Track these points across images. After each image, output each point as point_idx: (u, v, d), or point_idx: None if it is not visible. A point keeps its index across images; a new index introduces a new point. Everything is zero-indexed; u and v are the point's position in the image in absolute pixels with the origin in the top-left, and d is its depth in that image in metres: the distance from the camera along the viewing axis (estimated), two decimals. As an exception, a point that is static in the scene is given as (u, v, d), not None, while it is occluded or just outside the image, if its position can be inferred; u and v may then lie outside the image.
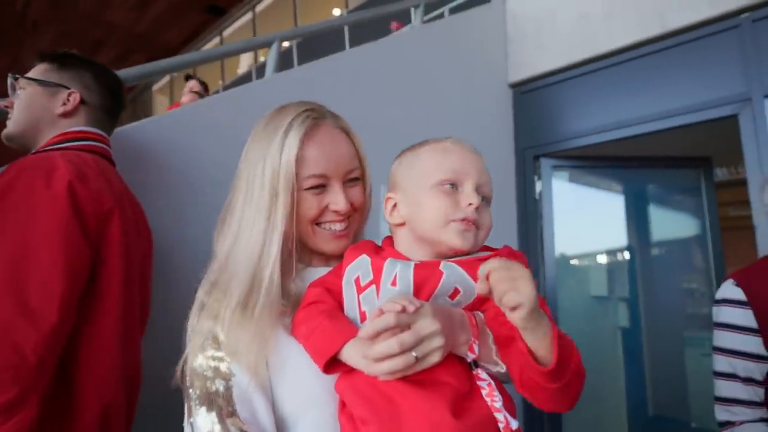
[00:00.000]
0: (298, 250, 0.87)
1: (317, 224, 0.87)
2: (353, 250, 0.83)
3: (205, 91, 3.86)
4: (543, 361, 0.64)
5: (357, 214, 0.91)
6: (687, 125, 2.85)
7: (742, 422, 1.39)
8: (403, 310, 0.65)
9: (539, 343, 0.63)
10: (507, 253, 0.77)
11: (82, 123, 1.28)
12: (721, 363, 1.44)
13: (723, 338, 1.44)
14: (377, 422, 0.65)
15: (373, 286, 0.75)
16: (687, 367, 3.26)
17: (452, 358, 0.70)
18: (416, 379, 0.67)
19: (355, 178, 0.90)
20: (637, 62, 3.02)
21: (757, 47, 2.60)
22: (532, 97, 3.39)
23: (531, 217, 3.22)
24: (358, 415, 0.68)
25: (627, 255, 3.68)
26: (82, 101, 1.28)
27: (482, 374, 0.71)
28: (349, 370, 0.71)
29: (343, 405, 0.74)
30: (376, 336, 0.65)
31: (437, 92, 2.94)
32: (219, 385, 0.75)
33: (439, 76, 2.98)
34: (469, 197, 0.76)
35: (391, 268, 0.74)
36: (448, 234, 0.75)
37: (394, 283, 0.72)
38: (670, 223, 3.79)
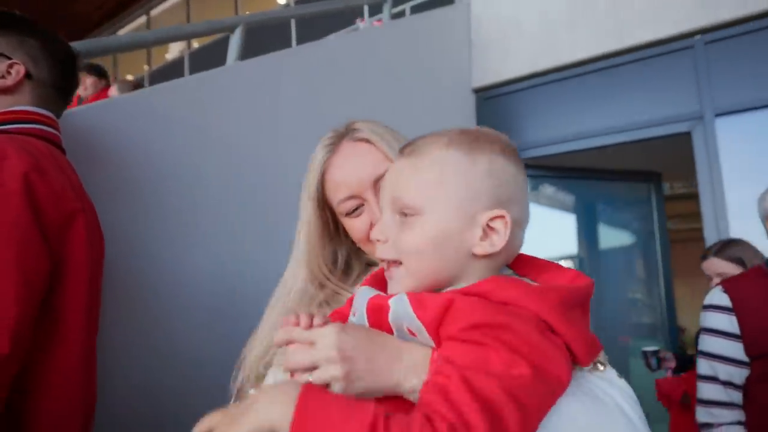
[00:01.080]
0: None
1: (369, 240, 0.81)
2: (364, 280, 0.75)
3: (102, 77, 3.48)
4: None
5: None
6: (642, 140, 2.94)
7: (720, 424, 1.44)
8: (296, 324, 0.56)
9: None
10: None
11: (26, 102, 1.07)
12: (704, 366, 1.50)
13: (707, 343, 1.51)
14: None
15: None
16: (632, 376, 3.36)
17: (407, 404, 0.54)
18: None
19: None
20: (597, 75, 3.09)
21: (709, 68, 2.72)
22: (496, 103, 3.40)
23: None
24: None
25: (577, 264, 3.76)
26: (27, 75, 1.07)
27: None
28: None
29: None
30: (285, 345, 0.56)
31: (401, 91, 2.88)
32: (249, 392, 0.75)
33: (403, 75, 2.92)
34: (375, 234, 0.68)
35: (359, 296, 0.63)
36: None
37: (353, 314, 0.63)
38: (620, 235, 3.92)
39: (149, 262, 1.43)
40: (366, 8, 4.56)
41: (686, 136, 2.78)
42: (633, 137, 2.96)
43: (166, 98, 1.60)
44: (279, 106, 2.01)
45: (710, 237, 2.62)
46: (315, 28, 4.74)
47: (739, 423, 1.43)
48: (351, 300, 0.69)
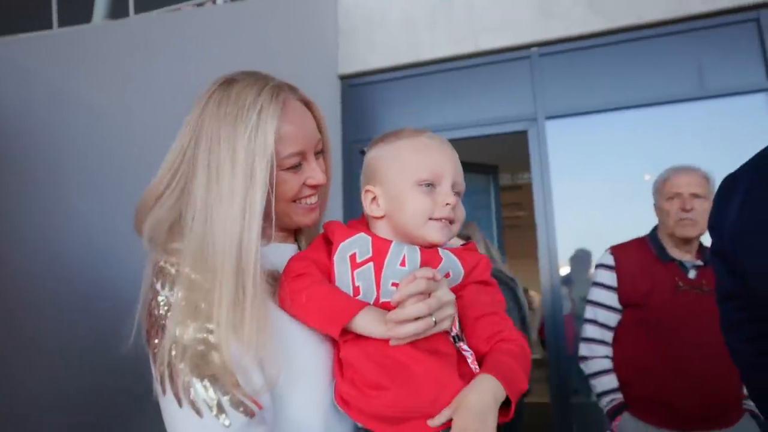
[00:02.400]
0: (264, 229, 0.83)
1: (294, 201, 0.87)
2: (344, 228, 0.85)
3: None
4: None
5: (325, 186, 0.93)
6: (485, 136, 3.29)
7: (593, 357, 1.90)
8: (432, 278, 0.73)
9: None
10: (472, 247, 0.89)
11: None
12: (589, 311, 1.95)
13: (594, 293, 1.95)
14: (394, 386, 0.71)
15: (371, 264, 0.79)
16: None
17: (442, 332, 0.76)
18: (426, 348, 0.74)
19: (321, 151, 0.91)
20: (452, 73, 3.36)
21: (543, 76, 3.15)
22: (361, 91, 3.47)
23: (356, 207, 3.30)
24: (371, 380, 0.73)
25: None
26: None
27: (464, 346, 0.79)
28: (357, 338, 0.75)
29: (341, 371, 0.77)
30: (407, 300, 0.71)
31: (267, 70, 2.77)
32: (215, 357, 0.71)
33: (269, 55, 2.82)
34: (446, 197, 0.82)
35: (398, 249, 0.80)
36: (427, 230, 0.81)
37: (403, 264, 0.78)
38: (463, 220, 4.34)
39: (7, 248, 1.18)
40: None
41: (512, 136, 3.19)
42: (478, 132, 3.30)
43: (27, 52, 1.32)
44: (147, 73, 1.80)
45: (540, 223, 3.06)
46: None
47: (606, 357, 1.88)
48: (318, 245, 0.85)
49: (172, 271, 0.76)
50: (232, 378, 0.70)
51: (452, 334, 0.79)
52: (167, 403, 0.72)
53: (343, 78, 3.49)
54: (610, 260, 1.94)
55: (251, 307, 0.73)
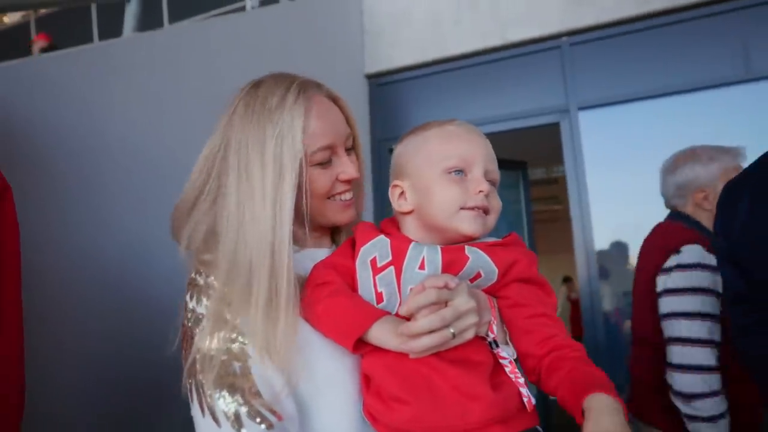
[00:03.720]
0: (296, 231, 0.83)
1: (328, 198, 0.85)
2: (365, 231, 0.82)
3: None
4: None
5: (361, 185, 0.92)
6: (516, 129, 3.23)
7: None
8: (445, 287, 0.66)
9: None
10: (513, 241, 0.80)
11: None
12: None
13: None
14: (415, 399, 0.67)
15: (392, 268, 0.75)
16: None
17: (477, 338, 0.72)
18: (452, 358, 0.68)
19: (350, 148, 0.89)
20: (479, 68, 3.31)
21: (573, 66, 3.07)
22: (388, 90, 3.47)
23: (387, 207, 3.30)
24: (392, 394, 0.69)
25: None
26: None
27: (503, 353, 0.73)
28: (376, 349, 0.71)
29: (367, 383, 0.74)
30: (417, 312, 0.65)
31: (294, 73, 2.81)
32: (236, 367, 0.71)
33: (296, 58, 2.85)
34: (479, 184, 0.76)
35: (416, 251, 0.75)
36: (459, 221, 0.75)
37: (422, 267, 0.73)
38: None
39: (47, 253, 1.24)
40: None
41: (546, 130, 3.12)
42: (509, 126, 3.24)
43: (62, 67, 1.39)
44: (177, 84, 1.86)
45: (575, 216, 2.99)
46: (189, 6, 4.38)
47: None
48: (344, 251, 0.81)
49: (201, 282, 0.77)
50: (253, 388, 0.70)
51: (489, 339, 0.73)
52: (195, 413, 0.73)
53: (370, 77, 3.50)
54: (709, 259, 1.53)
55: (285, 312, 0.72)
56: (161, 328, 0.80)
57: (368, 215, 3.42)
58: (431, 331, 0.64)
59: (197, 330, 0.74)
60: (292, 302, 0.74)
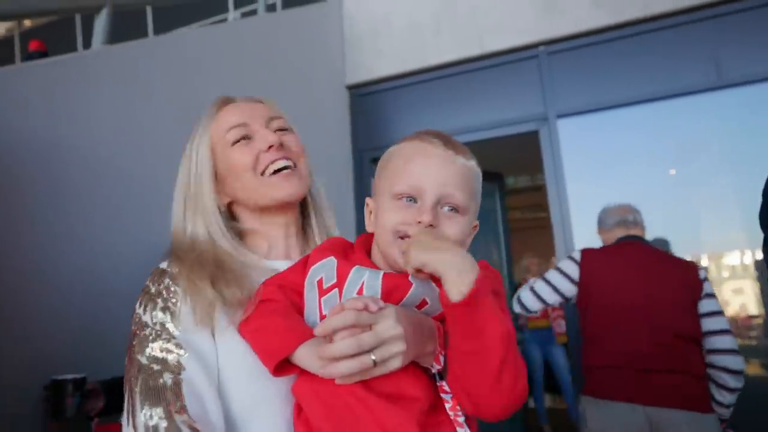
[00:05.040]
0: (253, 228, 0.88)
1: (261, 174, 0.84)
2: (322, 249, 0.78)
3: None
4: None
5: (301, 158, 0.88)
6: (496, 138, 3.26)
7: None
8: (365, 309, 0.61)
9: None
10: (489, 280, 0.67)
11: None
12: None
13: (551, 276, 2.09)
14: None
15: (336, 290, 0.71)
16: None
17: (417, 370, 0.67)
18: (383, 392, 0.63)
19: (284, 128, 0.89)
20: (459, 77, 3.34)
21: (551, 75, 3.11)
22: (369, 100, 3.48)
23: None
24: (317, 425, 0.64)
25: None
26: None
27: (446, 386, 0.67)
28: (306, 373, 0.66)
29: (299, 409, 0.70)
30: (333, 334, 0.61)
31: (275, 85, 2.80)
32: (167, 379, 0.70)
33: (277, 69, 2.85)
34: (419, 214, 0.69)
35: (357, 275, 0.70)
36: (394, 249, 0.70)
37: (360, 292, 0.69)
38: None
39: (14, 259, 1.22)
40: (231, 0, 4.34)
41: (530, 138, 3.15)
42: (489, 135, 3.27)
43: (29, 80, 1.36)
44: (150, 95, 1.83)
45: (556, 223, 3.01)
46: (175, 17, 4.36)
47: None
48: (298, 267, 0.78)
49: (153, 290, 0.77)
50: (179, 402, 0.68)
51: (433, 371, 0.67)
52: (123, 421, 0.71)
53: (351, 88, 3.51)
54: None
55: (203, 317, 0.74)
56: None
57: (349, 226, 3.41)
58: (353, 356, 0.60)
59: (137, 337, 0.74)
60: (211, 309, 0.75)
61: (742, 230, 2.94)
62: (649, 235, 2.99)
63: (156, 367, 0.70)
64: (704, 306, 1.83)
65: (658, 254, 2.00)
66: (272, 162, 0.83)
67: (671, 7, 2.88)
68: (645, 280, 1.87)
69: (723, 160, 2.87)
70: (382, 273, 0.70)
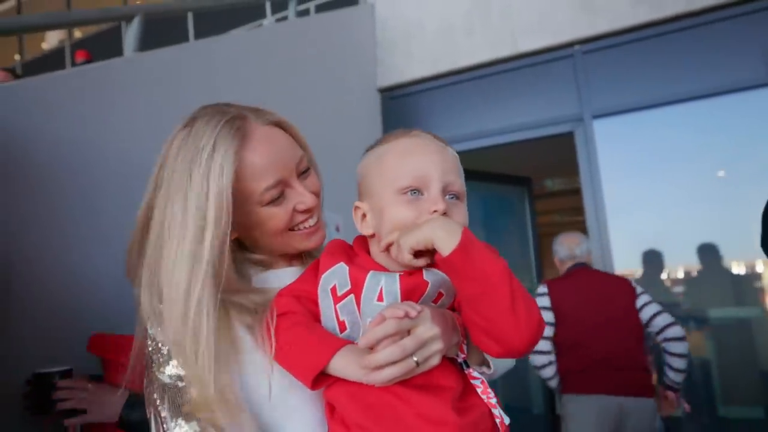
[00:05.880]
0: (261, 253, 0.83)
1: (290, 229, 0.80)
2: (330, 254, 0.77)
3: None
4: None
5: (320, 203, 0.86)
6: (530, 140, 3.19)
7: (542, 365, 2.31)
8: (405, 316, 0.63)
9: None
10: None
11: None
12: None
13: None
14: (379, 428, 0.65)
15: (352, 296, 0.72)
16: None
17: (445, 360, 0.69)
18: (417, 384, 0.66)
19: (307, 168, 0.83)
20: (491, 79, 3.30)
21: (587, 74, 3.02)
22: (400, 103, 3.49)
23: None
24: (356, 422, 0.66)
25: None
26: None
27: (474, 372, 0.71)
28: (339, 379, 0.68)
29: (331, 410, 0.71)
30: (377, 344, 0.63)
31: (307, 89, 2.85)
32: (193, 393, 0.69)
33: (309, 74, 2.90)
34: (434, 203, 0.70)
35: (373, 281, 0.70)
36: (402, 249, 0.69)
37: (380, 299, 0.70)
38: (501, 230, 4.26)
39: (44, 265, 1.28)
40: (268, 5, 4.45)
41: (566, 139, 3.07)
42: (523, 137, 3.21)
43: (62, 88, 1.44)
44: (180, 101, 1.90)
45: (592, 227, 2.91)
46: (214, 23, 4.52)
47: (550, 363, 2.32)
48: (308, 277, 0.77)
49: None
50: (212, 414, 0.68)
51: (459, 360, 0.71)
52: None
53: (383, 91, 3.52)
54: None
55: (204, 368, 0.68)
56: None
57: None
58: (395, 362, 0.62)
59: (155, 358, 0.74)
60: (210, 358, 0.69)
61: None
62: (696, 241, 2.89)
63: (181, 383, 0.71)
64: (640, 301, 2.31)
65: (601, 275, 2.50)
66: (303, 221, 0.81)
67: (715, 1, 2.74)
68: (598, 298, 2.31)
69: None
70: (398, 276, 0.70)
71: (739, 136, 2.83)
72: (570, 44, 3.07)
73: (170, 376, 0.72)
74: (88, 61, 3.89)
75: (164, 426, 0.70)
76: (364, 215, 0.77)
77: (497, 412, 0.69)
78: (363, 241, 0.80)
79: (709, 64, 2.81)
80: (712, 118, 2.86)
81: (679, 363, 2.21)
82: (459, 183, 0.74)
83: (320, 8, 4.05)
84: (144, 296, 0.75)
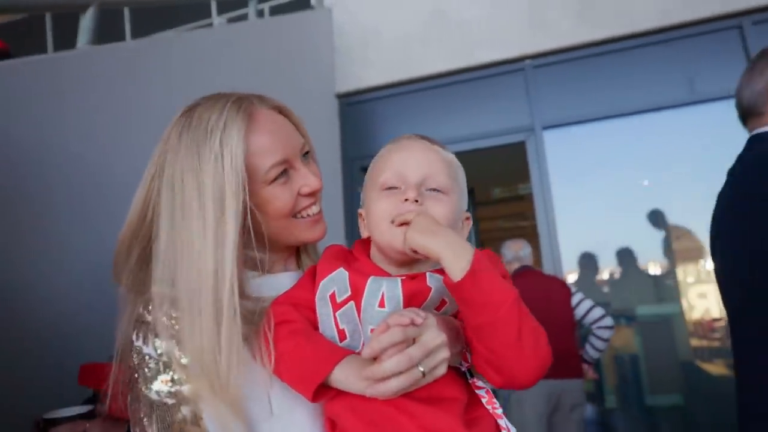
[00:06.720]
0: (261, 246, 0.78)
1: (293, 216, 0.78)
2: (328, 260, 0.75)
3: None
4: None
5: (320, 193, 0.84)
6: (484, 149, 3.33)
7: None
8: (411, 323, 0.60)
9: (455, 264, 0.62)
10: (486, 257, 0.69)
11: None
12: None
13: None
14: None
15: (352, 303, 0.69)
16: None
17: (450, 371, 0.66)
18: (423, 397, 0.62)
19: (307, 152, 0.82)
20: (447, 89, 3.41)
21: (537, 87, 3.21)
22: (358, 109, 3.50)
23: (356, 227, 3.29)
24: None
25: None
26: None
27: (479, 382, 0.68)
28: (339, 392, 0.64)
29: (332, 426, 0.67)
30: (382, 353, 0.59)
31: (267, 91, 2.78)
32: (185, 412, 0.66)
33: (268, 75, 2.84)
34: (405, 193, 0.71)
35: (374, 286, 0.68)
36: (392, 238, 0.69)
37: (382, 304, 0.67)
38: None
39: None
40: (214, 4, 4.30)
41: (512, 147, 3.24)
42: (477, 146, 3.34)
43: (11, 77, 1.30)
44: (138, 96, 1.80)
45: (542, 231, 3.09)
46: (151, 21, 4.28)
47: None
48: (305, 283, 0.75)
49: (149, 319, 0.71)
50: (216, 409, 0.65)
51: (462, 369, 0.68)
52: None
53: (341, 96, 3.52)
54: None
55: (229, 353, 0.66)
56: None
57: (339, 235, 3.40)
58: (401, 372, 0.58)
59: (141, 371, 0.69)
60: (238, 346, 0.67)
61: (707, 239, 3.08)
62: (623, 244, 3.19)
63: (170, 401, 0.67)
64: (575, 299, 2.67)
65: (543, 276, 2.79)
66: (307, 207, 0.80)
67: (650, 26, 3.03)
68: (542, 297, 2.58)
69: (694, 172, 3.02)
70: (399, 281, 0.68)
71: (662, 149, 3.13)
72: (521, 58, 3.24)
73: (158, 393, 0.67)
74: (5, 51, 3.55)
75: None
76: (363, 219, 0.79)
77: (503, 423, 0.67)
78: (363, 244, 0.80)
79: (639, 84, 3.09)
80: (642, 133, 3.14)
81: (602, 345, 2.69)
82: (441, 178, 0.73)
83: (274, 10, 3.97)
84: (157, 286, 0.71)
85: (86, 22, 1.89)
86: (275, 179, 0.75)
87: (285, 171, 0.76)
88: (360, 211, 0.80)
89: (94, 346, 1.32)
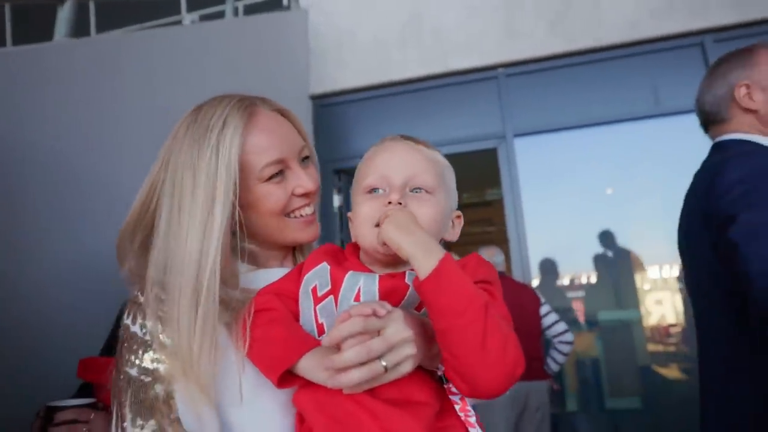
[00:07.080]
0: (253, 250, 0.81)
1: (286, 215, 0.80)
2: (316, 255, 0.75)
3: None
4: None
5: (315, 195, 0.86)
6: (457, 154, 3.36)
7: None
8: (373, 314, 0.59)
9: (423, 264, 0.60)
10: (475, 263, 0.70)
11: None
12: None
13: None
14: None
15: (331, 297, 0.69)
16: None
17: (423, 373, 0.65)
18: (390, 398, 0.61)
19: (306, 156, 0.84)
20: (422, 93, 3.44)
21: (509, 95, 3.27)
22: (332, 111, 3.49)
23: (330, 230, 3.29)
24: None
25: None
26: None
27: (453, 388, 0.65)
28: (309, 383, 0.64)
29: (300, 420, 0.67)
30: (341, 343, 0.58)
31: (238, 90, 2.76)
32: (158, 390, 0.68)
33: (243, 73, 2.81)
34: (387, 196, 0.71)
35: (352, 281, 0.69)
36: (374, 238, 0.69)
37: (357, 298, 0.67)
38: None
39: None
40: (183, 1, 4.23)
41: (480, 154, 3.29)
42: (449, 151, 3.36)
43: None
44: (117, 91, 1.76)
45: (512, 237, 3.14)
46: (117, 17, 4.17)
47: None
48: (293, 276, 0.75)
49: (141, 300, 0.73)
50: (173, 414, 0.67)
51: (439, 373, 0.65)
52: None
53: (315, 98, 3.51)
54: None
55: (202, 337, 0.68)
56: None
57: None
58: (362, 364, 0.57)
59: (125, 348, 0.71)
60: (213, 331, 0.69)
61: (665, 247, 3.21)
62: (587, 250, 3.28)
63: (146, 378, 0.69)
64: (543, 309, 2.84)
65: (513, 282, 2.90)
66: (300, 207, 0.81)
67: (618, 40, 3.13)
68: (513, 303, 2.55)
69: (655, 181, 3.13)
70: (377, 276, 0.68)
71: (626, 159, 3.23)
72: (495, 66, 3.30)
73: (138, 369, 0.69)
74: None
75: (122, 424, 0.68)
76: (352, 222, 0.79)
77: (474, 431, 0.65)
78: (355, 246, 0.79)
79: (607, 95, 3.18)
80: (607, 142, 3.24)
81: (562, 359, 2.87)
82: (425, 177, 0.73)
83: (249, 9, 3.93)
84: (151, 270, 0.73)
85: (64, 13, 1.84)
86: (270, 178, 0.77)
87: (281, 171, 0.78)
88: (349, 214, 0.80)
89: (75, 342, 1.29)
